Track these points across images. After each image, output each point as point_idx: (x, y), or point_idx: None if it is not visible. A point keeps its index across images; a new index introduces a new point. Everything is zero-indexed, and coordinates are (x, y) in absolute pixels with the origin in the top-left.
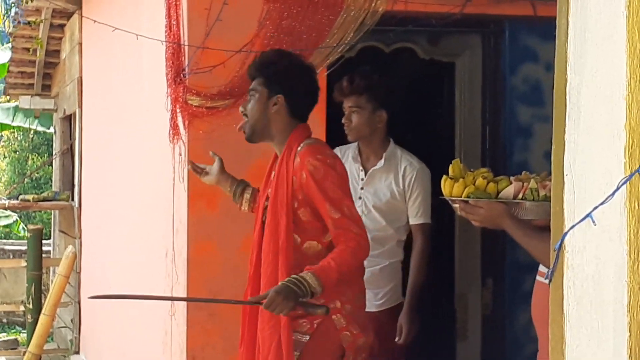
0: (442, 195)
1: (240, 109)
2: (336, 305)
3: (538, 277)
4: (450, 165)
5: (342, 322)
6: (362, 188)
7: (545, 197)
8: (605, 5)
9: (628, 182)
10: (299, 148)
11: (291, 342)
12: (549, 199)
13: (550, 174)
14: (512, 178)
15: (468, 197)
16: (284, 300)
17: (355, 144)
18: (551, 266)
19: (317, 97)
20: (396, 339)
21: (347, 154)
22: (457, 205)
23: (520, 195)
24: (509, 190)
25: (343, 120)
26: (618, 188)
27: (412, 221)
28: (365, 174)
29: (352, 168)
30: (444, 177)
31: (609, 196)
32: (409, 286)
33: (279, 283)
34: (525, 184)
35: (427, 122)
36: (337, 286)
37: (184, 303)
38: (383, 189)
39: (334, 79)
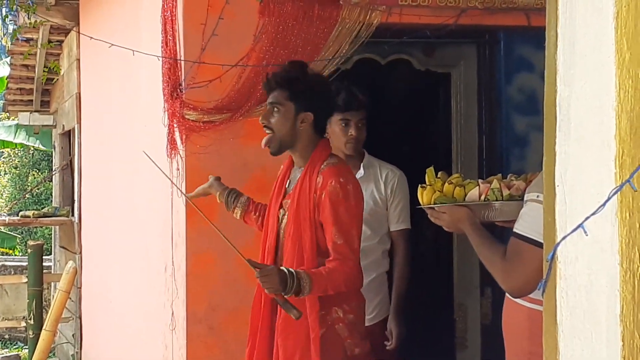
0: (418, 205)
1: (263, 121)
2: (339, 314)
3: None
4: (426, 174)
5: (345, 332)
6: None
7: (509, 196)
8: (593, 16)
9: (619, 192)
10: (322, 166)
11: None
12: (514, 198)
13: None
14: (479, 181)
15: (434, 203)
16: (278, 283)
17: None
18: (544, 277)
19: (334, 112)
20: (387, 345)
21: None
22: (428, 213)
23: (483, 197)
24: (473, 193)
25: (354, 132)
26: (609, 198)
27: (393, 227)
28: None
29: None
30: (419, 186)
31: (600, 206)
32: (394, 292)
33: (281, 267)
34: (490, 186)
35: (423, 132)
36: (342, 295)
37: (184, 317)
38: (365, 197)
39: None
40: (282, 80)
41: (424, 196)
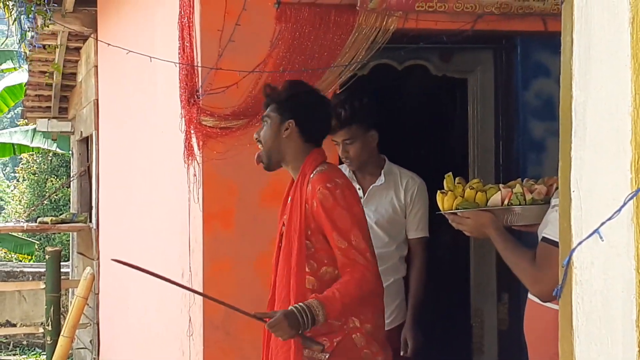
0: (438, 211)
1: (255, 135)
2: (355, 324)
3: (529, 295)
4: (444, 180)
5: (362, 342)
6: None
7: (532, 200)
8: (609, 22)
9: (635, 198)
10: (311, 175)
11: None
12: (537, 202)
13: (550, 178)
14: (501, 186)
15: (457, 208)
16: (288, 327)
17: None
18: (560, 282)
19: (330, 122)
20: (401, 353)
21: None
22: (449, 219)
23: (506, 201)
24: (496, 198)
25: (341, 154)
26: (625, 204)
27: (411, 235)
28: (364, 193)
29: None
30: (438, 192)
31: (615, 212)
32: (411, 300)
33: (289, 307)
34: (512, 190)
35: (440, 138)
36: (356, 306)
37: (201, 323)
38: (385, 205)
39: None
40: (271, 94)
41: (445, 202)
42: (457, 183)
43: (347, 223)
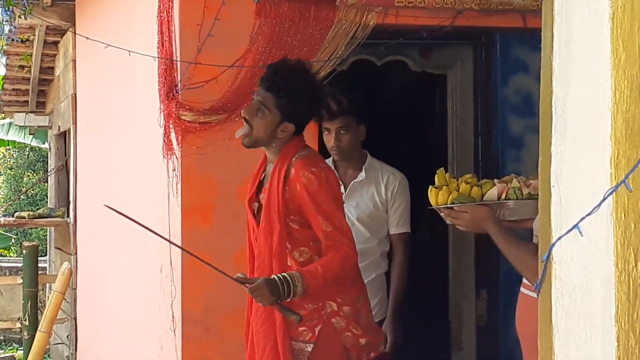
0: (430, 205)
1: (244, 114)
2: (333, 308)
3: (522, 289)
4: (436, 175)
5: (342, 324)
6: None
7: (529, 195)
8: (589, 17)
9: (614, 193)
10: (293, 159)
11: (287, 344)
12: (533, 197)
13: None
14: (495, 181)
15: (452, 203)
16: (269, 293)
17: (330, 159)
18: (539, 277)
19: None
20: (381, 348)
21: None
22: (443, 214)
23: (503, 196)
24: (492, 192)
25: (332, 142)
26: (604, 199)
27: (392, 231)
28: (345, 188)
29: None
30: (430, 187)
31: (595, 207)
32: (392, 295)
33: (272, 276)
34: (508, 185)
35: (419, 134)
36: (334, 289)
37: (179, 319)
38: (365, 200)
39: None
40: (276, 85)
41: (440, 196)
42: (453, 178)
43: (331, 206)
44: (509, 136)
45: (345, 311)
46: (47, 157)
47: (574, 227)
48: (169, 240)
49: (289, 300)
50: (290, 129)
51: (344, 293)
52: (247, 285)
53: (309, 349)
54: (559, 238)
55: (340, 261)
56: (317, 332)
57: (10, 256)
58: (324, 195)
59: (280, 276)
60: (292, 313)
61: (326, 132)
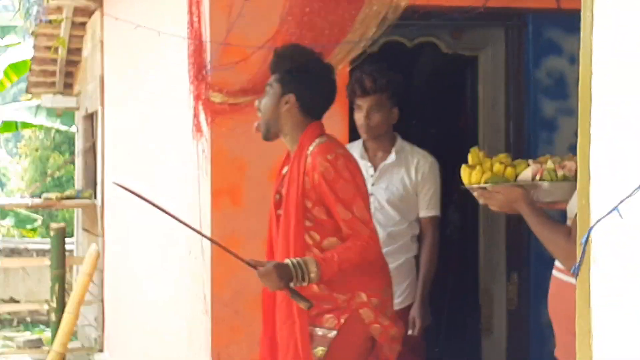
0: (462, 185)
1: (256, 103)
2: (362, 299)
3: (555, 272)
4: (469, 154)
5: (371, 316)
6: (372, 184)
7: (564, 177)
8: None
9: None
10: (310, 147)
11: (307, 342)
12: (567, 178)
13: (574, 155)
14: (530, 161)
15: (486, 183)
16: (277, 278)
17: (360, 141)
18: (578, 260)
19: (333, 97)
20: (409, 332)
21: (352, 152)
22: (476, 193)
23: (537, 177)
24: (526, 173)
25: (362, 119)
26: None
27: (422, 214)
28: (375, 170)
29: (360, 165)
30: (463, 166)
31: (635, 189)
32: (421, 279)
33: (285, 260)
34: (542, 166)
35: (450, 116)
36: (363, 279)
37: (209, 301)
38: (396, 183)
39: (354, 78)
40: (276, 62)
41: (473, 176)
42: (487, 157)
43: (349, 194)
44: (541, 119)
45: (373, 302)
46: (73, 139)
47: (613, 209)
48: (175, 218)
49: (305, 285)
50: (292, 99)
51: (373, 283)
52: (258, 268)
53: (332, 335)
54: (598, 220)
55: (359, 249)
56: (342, 320)
57: (36, 237)
58: (342, 182)
59: (294, 261)
60: (302, 299)
61: (357, 110)
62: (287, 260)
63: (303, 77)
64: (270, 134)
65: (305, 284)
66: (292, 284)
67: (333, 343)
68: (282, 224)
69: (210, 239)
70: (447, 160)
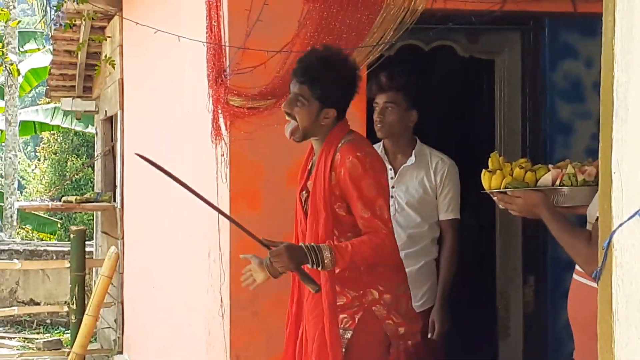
0: (483, 190)
1: (285, 109)
2: (374, 296)
3: (575, 276)
4: (489, 159)
5: (383, 312)
6: (392, 187)
7: (584, 181)
8: None
9: None
10: (339, 144)
11: (336, 330)
12: (587, 183)
13: (594, 160)
14: (550, 166)
15: (506, 187)
16: (288, 259)
17: (380, 143)
18: (599, 264)
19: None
20: (429, 335)
21: None
22: (497, 198)
23: (557, 182)
24: (547, 178)
25: (376, 116)
26: None
27: (442, 217)
28: (395, 173)
29: None
30: (484, 170)
31: None
32: (440, 282)
33: (300, 244)
34: (563, 170)
35: (467, 119)
36: (375, 276)
37: (227, 304)
38: (415, 185)
39: (371, 76)
40: (308, 75)
41: (493, 180)
42: (507, 162)
43: (372, 193)
44: (557, 122)
45: (386, 299)
46: (92, 142)
47: (635, 213)
48: (195, 192)
49: (319, 269)
50: (333, 114)
51: (385, 281)
52: (271, 248)
53: (348, 335)
54: (620, 225)
55: (373, 246)
56: (357, 319)
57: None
58: (367, 180)
59: (309, 245)
60: (310, 282)
61: (375, 108)
62: (301, 244)
63: (339, 93)
64: (306, 139)
65: (320, 268)
66: (307, 267)
67: (350, 343)
68: (310, 219)
69: (227, 216)
70: (464, 163)
